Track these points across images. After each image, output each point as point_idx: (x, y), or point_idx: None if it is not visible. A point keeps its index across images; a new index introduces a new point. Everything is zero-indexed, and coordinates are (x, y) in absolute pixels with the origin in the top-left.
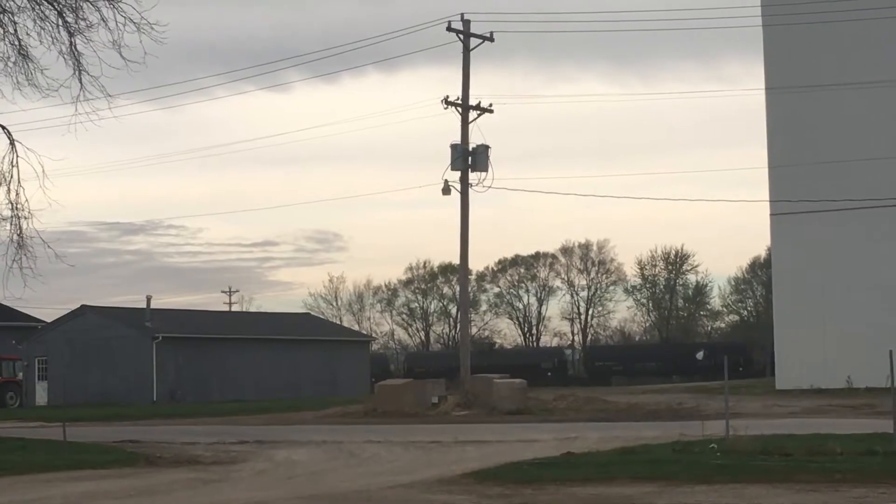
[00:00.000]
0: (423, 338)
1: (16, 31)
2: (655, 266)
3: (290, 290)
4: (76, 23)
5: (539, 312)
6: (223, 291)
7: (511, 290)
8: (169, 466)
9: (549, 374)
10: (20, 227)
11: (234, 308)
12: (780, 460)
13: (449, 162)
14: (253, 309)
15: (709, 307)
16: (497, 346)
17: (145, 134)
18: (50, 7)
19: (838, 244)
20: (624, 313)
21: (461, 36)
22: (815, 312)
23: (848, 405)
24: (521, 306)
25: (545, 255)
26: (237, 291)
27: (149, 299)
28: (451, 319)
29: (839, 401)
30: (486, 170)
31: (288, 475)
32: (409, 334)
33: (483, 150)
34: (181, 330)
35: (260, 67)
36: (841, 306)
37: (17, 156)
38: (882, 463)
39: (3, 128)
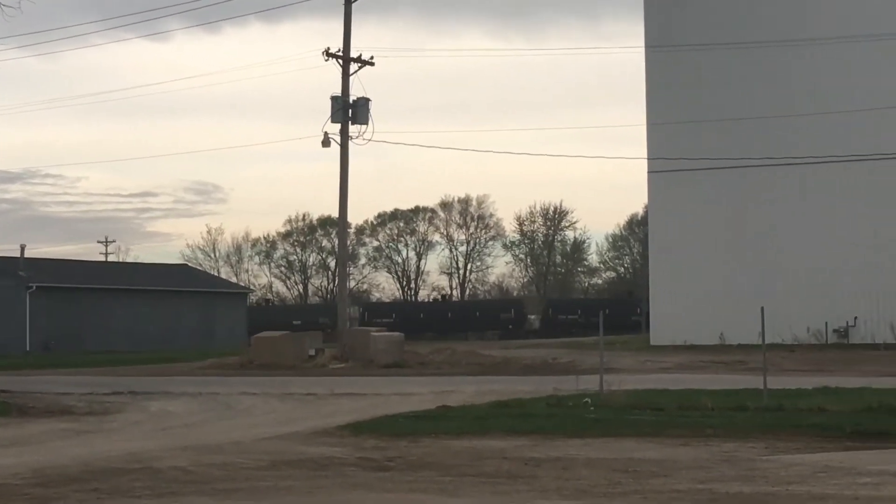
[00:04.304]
0: (301, 290)
1: None
2: (534, 222)
3: (169, 241)
4: None
5: (418, 267)
6: (100, 242)
7: (390, 244)
8: (41, 416)
9: (510, 326)
10: None
11: (111, 258)
12: (653, 415)
13: (329, 114)
14: (130, 260)
15: (586, 263)
16: (448, 296)
17: (22, 81)
18: None
19: (714, 202)
20: (502, 268)
21: None
22: (689, 270)
23: (720, 361)
24: (399, 260)
25: (424, 209)
26: (114, 242)
27: (23, 248)
28: (330, 273)
29: (712, 357)
30: (366, 123)
31: (162, 426)
32: (287, 287)
33: (363, 102)
34: (56, 280)
35: (139, 15)
36: (715, 264)
37: None
38: (752, 418)
39: None
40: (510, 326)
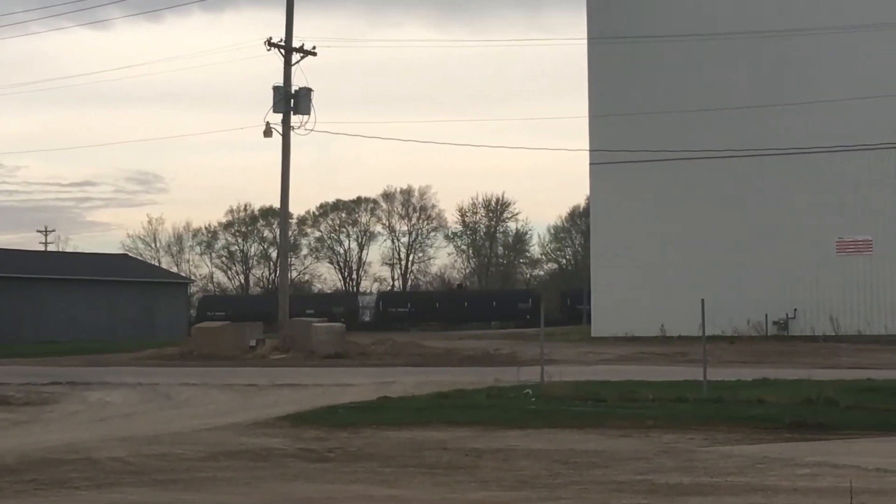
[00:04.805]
0: (242, 281)
1: None
2: (476, 213)
3: (109, 231)
4: None
5: (360, 257)
6: (39, 231)
7: (332, 235)
8: None
9: (528, 316)
10: None
11: (50, 248)
12: (593, 406)
13: (272, 104)
14: (69, 249)
15: (528, 255)
16: (465, 286)
17: None
18: None
19: (654, 194)
20: (444, 259)
21: None
22: (630, 261)
23: (661, 353)
24: (341, 251)
25: (367, 200)
26: (53, 231)
27: None
28: (271, 263)
29: (653, 349)
30: (308, 113)
31: (101, 417)
32: (228, 277)
33: (305, 92)
34: None
35: (79, 3)
36: (656, 256)
37: None
38: (692, 409)
39: None
40: (528, 316)
